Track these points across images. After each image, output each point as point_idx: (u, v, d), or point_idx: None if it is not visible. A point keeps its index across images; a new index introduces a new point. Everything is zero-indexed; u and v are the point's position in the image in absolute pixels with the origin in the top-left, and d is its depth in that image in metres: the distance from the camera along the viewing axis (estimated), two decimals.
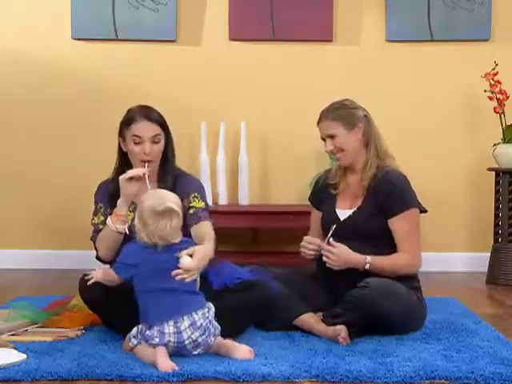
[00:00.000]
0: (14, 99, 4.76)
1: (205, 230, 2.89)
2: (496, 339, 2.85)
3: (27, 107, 4.76)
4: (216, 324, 2.58)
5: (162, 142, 2.99)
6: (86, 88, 4.74)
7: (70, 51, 4.75)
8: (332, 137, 3.05)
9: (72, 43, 4.74)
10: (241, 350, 2.54)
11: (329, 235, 2.94)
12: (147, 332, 2.51)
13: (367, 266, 2.91)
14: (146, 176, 2.83)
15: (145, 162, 2.93)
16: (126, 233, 2.84)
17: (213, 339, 2.55)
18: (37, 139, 4.75)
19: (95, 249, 3.00)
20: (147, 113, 2.98)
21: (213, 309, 2.59)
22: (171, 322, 2.48)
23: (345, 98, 3.12)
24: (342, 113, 3.05)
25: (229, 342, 2.58)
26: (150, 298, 2.53)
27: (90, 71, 4.75)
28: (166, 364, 2.41)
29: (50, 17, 4.74)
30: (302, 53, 4.76)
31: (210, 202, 3.24)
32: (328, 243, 2.91)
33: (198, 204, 2.99)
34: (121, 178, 2.84)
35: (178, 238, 2.57)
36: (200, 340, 2.51)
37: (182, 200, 2.88)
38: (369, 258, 2.91)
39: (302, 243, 3.03)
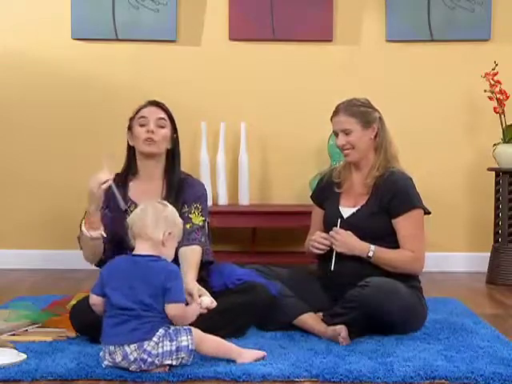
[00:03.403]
0: (14, 99, 4.76)
1: (192, 257, 2.84)
2: (496, 339, 2.85)
3: (27, 107, 4.75)
4: (174, 350, 2.36)
5: (168, 131, 3.00)
6: (86, 88, 4.74)
7: (70, 51, 4.75)
8: (347, 132, 3.04)
9: (72, 43, 4.74)
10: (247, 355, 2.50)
11: (337, 227, 2.98)
12: (100, 352, 2.43)
13: (370, 254, 2.93)
14: (112, 185, 2.75)
15: (148, 140, 2.93)
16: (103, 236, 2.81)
17: (169, 361, 2.37)
18: (36, 139, 4.75)
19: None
20: (156, 101, 3.05)
21: (169, 340, 2.36)
22: (107, 352, 2.38)
23: (363, 97, 3.11)
24: (360, 110, 3.04)
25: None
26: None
27: (90, 71, 4.75)
28: None
29: (50, 17, 4.74)
30: (302, 53, 4.76)
31: (209, 202, 3.23)
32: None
33: (197, 219, 2.98)
34: (91, 184, 2.75)
35: (154, 234, 2.45)
36: (145, 368, 2.35)
37: (183, 206, 2.91)
38: (373, 247, 2.94)
39: (315, 237, 3.03)
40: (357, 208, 3.06)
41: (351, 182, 3.13)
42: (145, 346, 2.33)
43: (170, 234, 2.48)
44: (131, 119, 3.04)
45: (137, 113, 3.02)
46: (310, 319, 2.91)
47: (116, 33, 4.70)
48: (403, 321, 2.86)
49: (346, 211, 3.07)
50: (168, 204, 2.57)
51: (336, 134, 3.09)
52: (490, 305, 3.76)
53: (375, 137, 3.07)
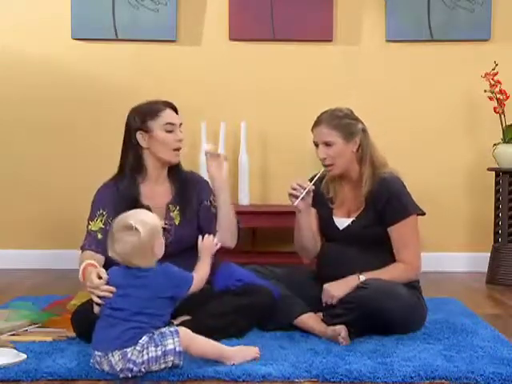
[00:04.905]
0: (14, 99, 4.76)
1: None
2: (496, 339, 2.85)
3: (26, 107, 4.75)
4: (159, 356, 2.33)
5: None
6: (86, 88, 4.74)
7: (70, 51, 4.75)
8: (328, 145, 2.99)
9: (72, 43, 4.74)
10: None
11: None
12: (91, 358, 2.40)
13: (362, 278, 2.88)
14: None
15: (178, 150, 2.91)
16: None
17: (156, 365, 2.34)
18: (36, 139, 4.75)
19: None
20: (170, 103, 2.97)
21: (154, 346, 2.32)
22: (95, 361, 2.37)
23: (345, 108, 3.05)
24: (343, 122, 2.98)
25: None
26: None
27: (89, 71, 4.75)
28: None
29: (50, 17, 4.74)
30: (302, 53, 4.76)
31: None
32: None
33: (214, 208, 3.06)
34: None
35: (141, 262, 2.40)
36: (133, 375, 2.32)
37: (201, 203, 2.96)
38: (362, 277, 2.88)
39: (292, 185, 3.08)
40: (352, 219, 3.03)
41: (343, 195, 3.10)
42: (129, 356, 2.30)
43: (157, 243, 2.44)
44: (144, 118, 2.90)
45: (154, 113, 2.90)
46: (310, 319, 2.91)
47: (116, 33, 4.70)
48: (403, 321, 2.86)
49: (341, 222, 3.06)
50: (142, 216, 2.42)
51: (316, 144, 3.03)
52: (490, 305, 3.75)
53: (357, 150, 3.01)
